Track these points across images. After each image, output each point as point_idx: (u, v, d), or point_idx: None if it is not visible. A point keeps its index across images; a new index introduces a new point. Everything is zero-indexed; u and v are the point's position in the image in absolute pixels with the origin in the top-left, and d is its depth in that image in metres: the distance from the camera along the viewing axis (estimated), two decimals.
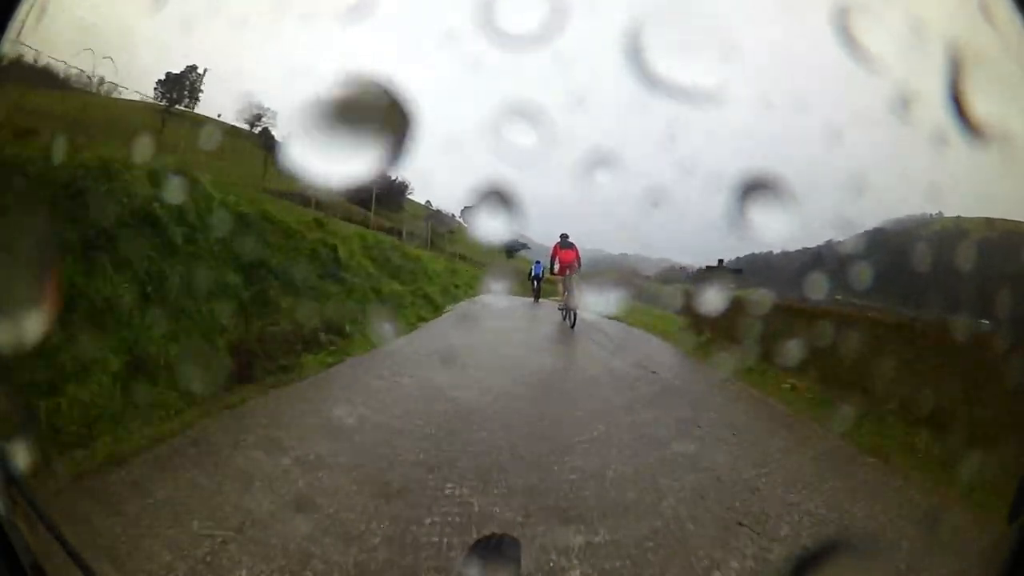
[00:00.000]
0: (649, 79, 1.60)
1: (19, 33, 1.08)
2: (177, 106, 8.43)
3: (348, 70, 1.30)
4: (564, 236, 8.52)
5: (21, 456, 1.05)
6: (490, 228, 3.56)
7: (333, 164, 1.23)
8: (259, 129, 9.48)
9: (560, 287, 8.67)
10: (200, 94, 8.46)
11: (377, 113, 1.29)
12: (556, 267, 8.51)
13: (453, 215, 13.84)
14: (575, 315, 8.41)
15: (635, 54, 1.58)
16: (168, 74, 8.23)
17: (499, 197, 3.54)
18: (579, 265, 8.47)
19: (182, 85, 8.50)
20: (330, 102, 1.30)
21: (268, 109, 9.54)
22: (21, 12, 1.04)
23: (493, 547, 1.16)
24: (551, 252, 8.67)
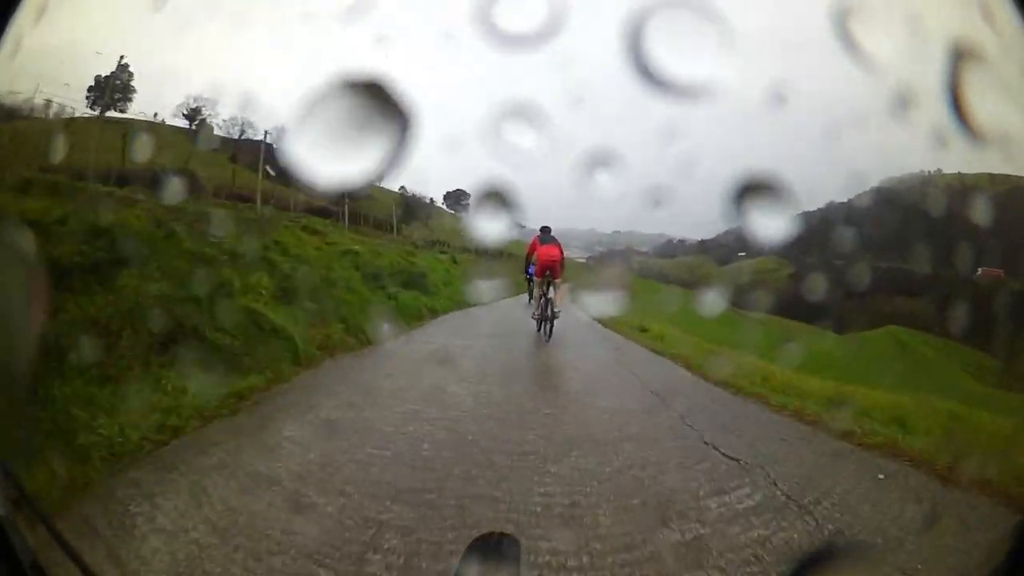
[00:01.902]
0: (647, 78, 1.60)
1: (18, 39, 1.08)
2: (111, 111, 7.78)
3: (346, 70, 1.30)
4: (545, 229, 6.75)
5: (21, 457, 1.05)
6: (489, 227, 3.56)
7: (330, 165, 1.24)
8: (196, 123, 8.88)
9: (536, 291, 6.79)
10: (133, 94, 7.91)
11: (375, 113, 1.29)
12: (533, 267, 6.73)
13: (432, 200, 12.94)
14: (552, 326, 6.65)
15: (633, 53, 1.58)
16: (97, 78, 7.66)
17: (497, 195, 3.54)
18: (562, 267, 6.72)
19: (113, 87, 7.89)
20: (328, 102, 1.30)
21: (207, 100, 9.11)
22: (20, 15, 1.04)
23: (493, 547, 1.16)
24: (528, 247, 6.89)
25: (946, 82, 1.40)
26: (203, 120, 8.86)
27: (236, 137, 9.68)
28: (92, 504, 2.28)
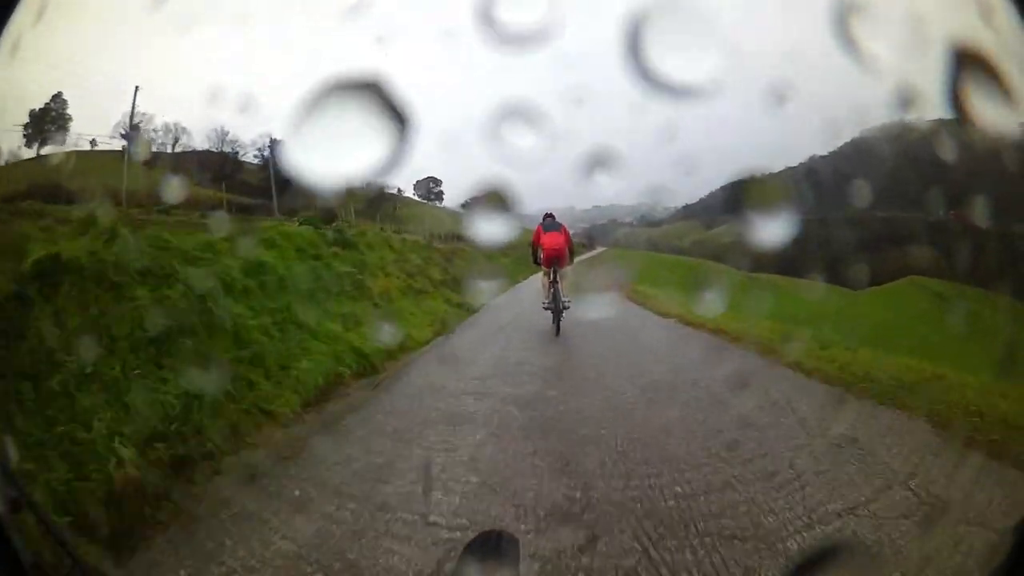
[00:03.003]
0: (647, 77, 1.60)
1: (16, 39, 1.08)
2: (47, 146, 7.33)
3: (346, 69, 1.30)
4: (549, 216, 6.78)
5: (21, 456, 1.05)
6: (489, 229, 3.56)
7: (330, 166, 1.23)
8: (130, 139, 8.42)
9: (544, 280, 6.77)
10: (70, 123, 7.61)
11: (374, 113, 1.28)
12: (540, 256, 6.73)
13: (400, 190, 12.94)
14: (560, 319, 6.59)
15: (633, 53, 1.58)
16: (31, 112, 7.30)
17: (496, 195, 3.54)
18: (570, 252, 6.77)
19: (48, 118, 7.44)
20: (327, 102, 1.30)
21: (145, 115, 8.74)
22: (19, 15, 1.04)
23: (492, 546, 1.16)
24: (533, 237, 6.89)
25: (945, 81, 1.40)
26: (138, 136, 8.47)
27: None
28: None
